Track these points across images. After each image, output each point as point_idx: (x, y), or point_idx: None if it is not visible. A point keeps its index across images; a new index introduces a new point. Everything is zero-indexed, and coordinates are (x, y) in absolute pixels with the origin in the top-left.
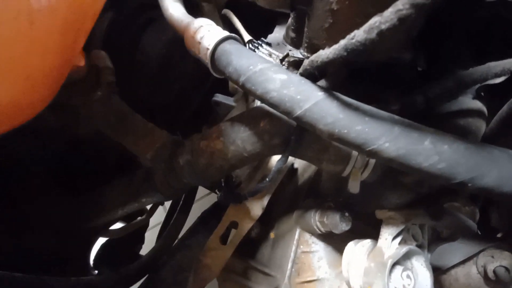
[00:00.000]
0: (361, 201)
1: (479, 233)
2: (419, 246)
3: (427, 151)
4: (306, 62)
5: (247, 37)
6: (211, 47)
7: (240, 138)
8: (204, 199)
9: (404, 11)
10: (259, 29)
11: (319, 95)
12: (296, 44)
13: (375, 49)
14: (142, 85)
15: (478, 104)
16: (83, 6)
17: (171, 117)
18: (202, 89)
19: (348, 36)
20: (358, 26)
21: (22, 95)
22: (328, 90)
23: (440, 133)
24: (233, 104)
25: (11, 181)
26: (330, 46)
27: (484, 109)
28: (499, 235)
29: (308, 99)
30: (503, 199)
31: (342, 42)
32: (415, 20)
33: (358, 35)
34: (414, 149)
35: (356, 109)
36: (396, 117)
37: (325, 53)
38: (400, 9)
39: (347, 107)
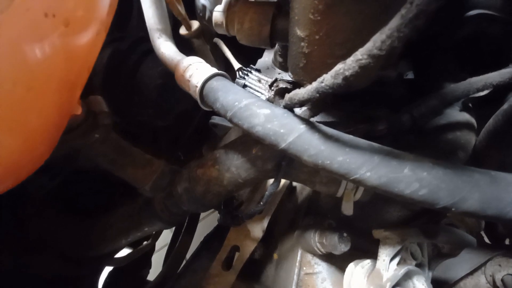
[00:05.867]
0: (361, 217)
1: (488, 241)
2: (419, 265)
3: (407, 178)
4: (287, 97)
5: (236, 65)
6: (199, 85)
7: (235, 165)
8: (208, 217)
9: (363, 60)
10: (256, 49)
11: (301, 128)
12: (285, 68)
13: (351, 85)
14: (143, 111)
15: (465, 117)
16: (77, 63)
17: (173, 136)
18: (200, 108)
19: (319, 79)
20: (330, 66)
21: (22, 156)
22: (310, 122)
23: (419, 160)
24: (230, 125)
25: (15, 204)
26: (307, 81)
27: (473, 120)
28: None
29: (291, 132)
30: (490, 221)
31: (314, 85)
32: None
33: (326, 79)
34: (394, 177)
35: (337, 140)
36: (376, 145)
37: (301, 93)
38: (359, 58)
39: (328, 138)
